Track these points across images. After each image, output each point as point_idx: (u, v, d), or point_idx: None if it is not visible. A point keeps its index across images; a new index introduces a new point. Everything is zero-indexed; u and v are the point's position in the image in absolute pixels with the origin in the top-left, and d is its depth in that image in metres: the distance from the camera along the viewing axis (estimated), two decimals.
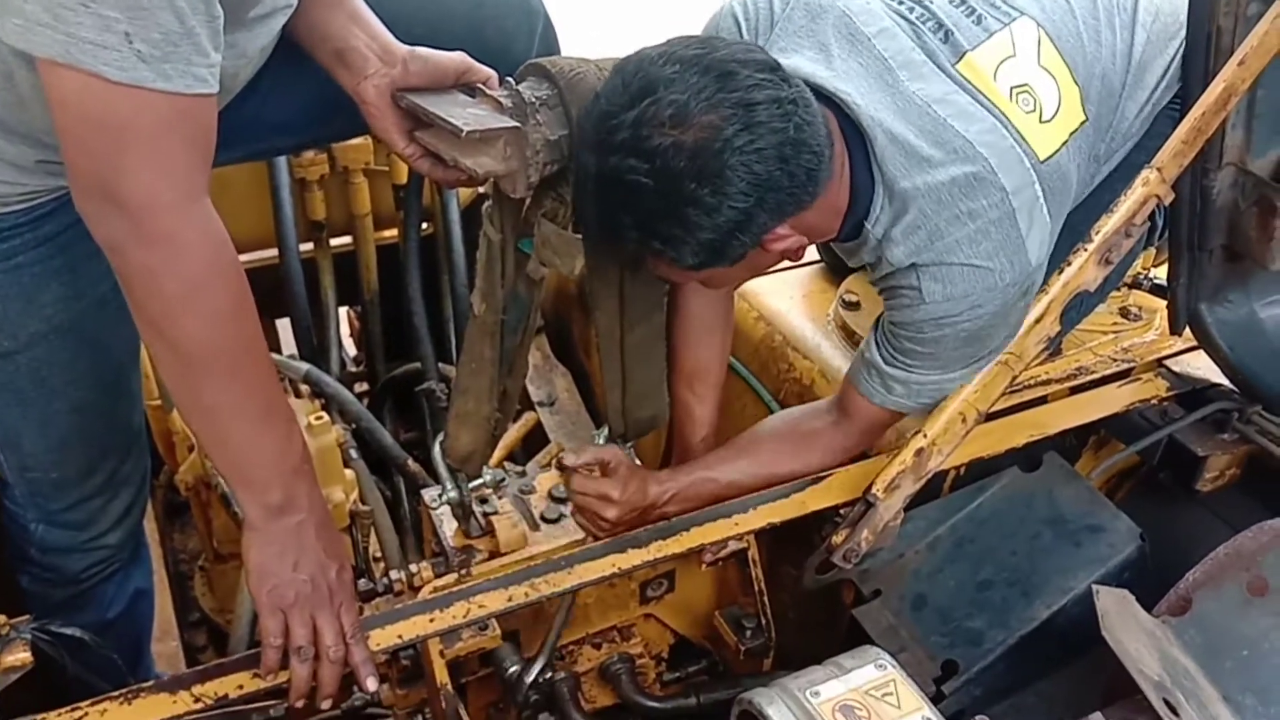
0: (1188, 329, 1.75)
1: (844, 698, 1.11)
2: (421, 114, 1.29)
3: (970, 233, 1.31)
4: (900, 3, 1.39)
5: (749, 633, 1.72)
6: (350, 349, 3.22)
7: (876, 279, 1.44)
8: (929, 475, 1.42)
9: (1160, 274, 1.87)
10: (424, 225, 2.71)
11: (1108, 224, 1.35)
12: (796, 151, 1.21)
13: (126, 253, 1.11)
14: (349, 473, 2.37)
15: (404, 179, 2.62)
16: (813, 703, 1.10)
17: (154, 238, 1.09)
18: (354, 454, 2.45)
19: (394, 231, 2.82)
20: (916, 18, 1.38)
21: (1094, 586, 1.31)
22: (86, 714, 1.14)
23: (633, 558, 1.39)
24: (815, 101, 1.26)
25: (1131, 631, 1.23)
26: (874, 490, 1.40)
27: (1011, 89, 1.37)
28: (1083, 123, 1.44)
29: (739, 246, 1.25)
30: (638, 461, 1.77)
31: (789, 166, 1.21)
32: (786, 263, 2.04)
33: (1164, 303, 1.91)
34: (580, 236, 1.43)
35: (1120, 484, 1.89)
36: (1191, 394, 1.75)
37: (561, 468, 1.55)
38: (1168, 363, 1.81)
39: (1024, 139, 1.34)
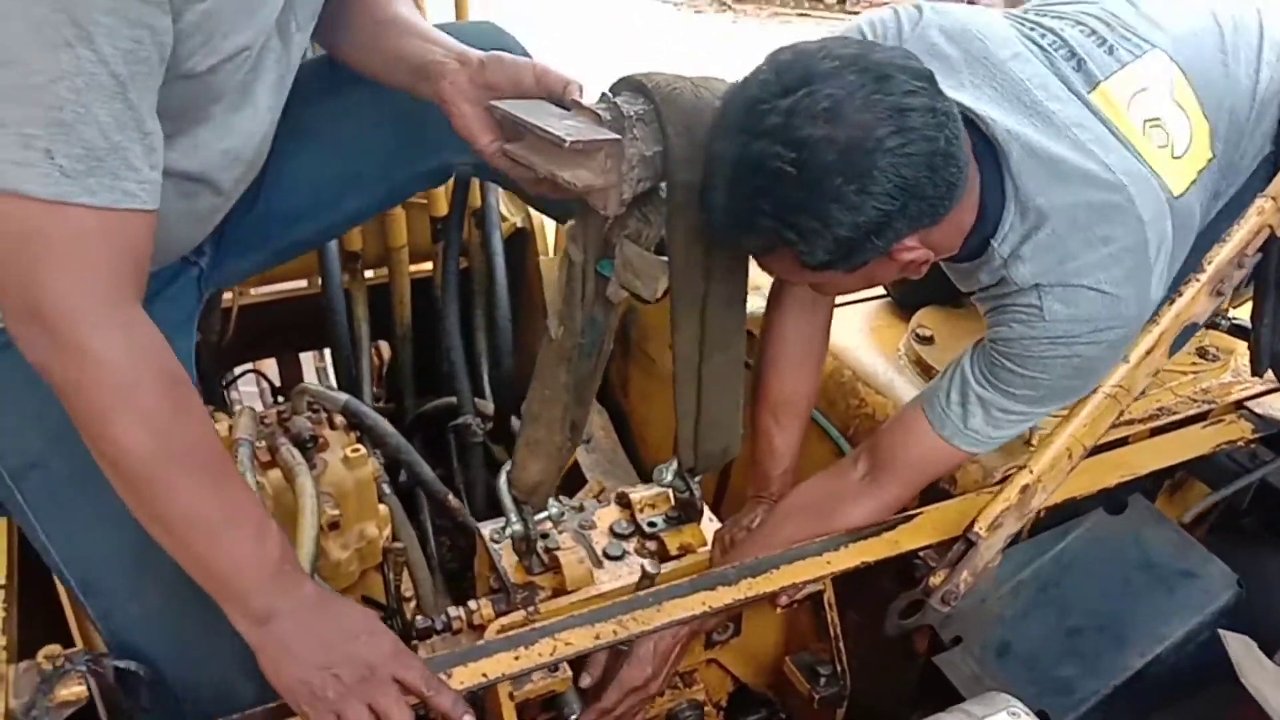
0: (1269, 371, 1.71)
1: None
2: (518, 123, 1.24)
3: (1103, 257, 1.28)
4: (1032, 29, 1.37)
5: (824, 680, 1.63)
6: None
7: (988, 298, 1.39)
8: (1033, 514, 1.36)
9: (1239, 314, 1.83)
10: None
11: (1220, 254, 1.30)
12: (945, 162, 1.18)
13: (52, 370, 1.06)
14: (382, 508, 2.29)
15: (442, 211, 2.58)
16: None
17: (72, 349, 1.04)
18: (387, 489, 2.37)
19: (427, 265, 2.77)
20: (1049, 44, 1.35)
21: (1221, 632, 1.24)
22: None
23: (723, 595, 1.31)
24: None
25: (1268, 678, 1.16)
26: (976, 528, 1.34)
27: (1144, 122, 1.35)
28: (1210, 160, 1.41)
29: (870, 251, 1.21)
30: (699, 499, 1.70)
31: (935, 176, 1.18)
32: (850, 297, 2.02)
33: (1240, 343, 1.87)
34: (665, 259, 1.38)
35: (1193, 527, 1.82)
36: (1278, 436, 1.70)
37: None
38: (1249, 404, 1.76)
39: (1157, 173, 1.32)
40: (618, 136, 1.21)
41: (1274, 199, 1.30)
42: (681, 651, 1.54)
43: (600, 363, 1.52)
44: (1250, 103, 1.46)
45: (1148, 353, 1.32)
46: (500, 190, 2.56)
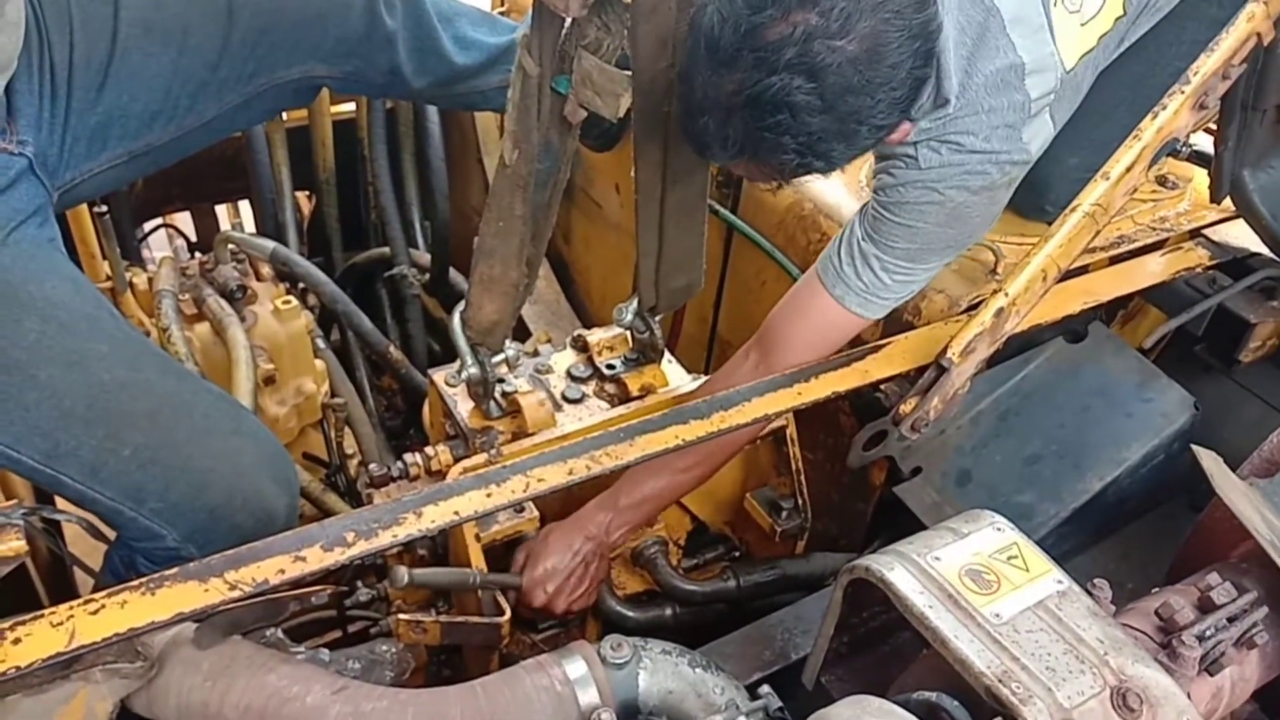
0: (1225, 200, 1.70)
1: (968, 562, 1.02)
2: None
3: (983, 123, 1.30)
4: None
5: (785, 513, 1.63)
6: None
7: (877, 150, 1.38)
8: (1005, 338, 1.33)
9: (1197, 141, 1.80)
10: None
11: (1206, 64, 1.25)
12: (935, 45, 1.18)
13: None
14: (318, 363, 2.20)
15: None
16: (936, 568, 1.01)
17: None
18: (321, 343, 2.28)
19: (349, 107, 2.60)
20: None
21: (1193, 447, 1.24)
22: (104, 606, 0.98)
23: (696, 429, 1.27)
24: None
25: (1238, 489, 1.18)
26: (949, 354, 1.31)
27: None
28: (1120, 18, 1.38)
29: (877, 145, 1.23)
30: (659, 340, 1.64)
31: (930, 62, 1.19)
32: None
33: (1199, 171, 1.85)
34: (627, 73, 1.27)
35: (1147, 355, 1.84)
36: (1234, 262, 1.70)
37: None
38: (1206, 232, 1.75)
39: (1058, 47, 1.30)
40: None
41: (1265, 3, 1.25)
42: (601, 559, 1.51)
43: (557, 193, 1.43)
44: None
45: (1128, 169, 1.28)
46: None
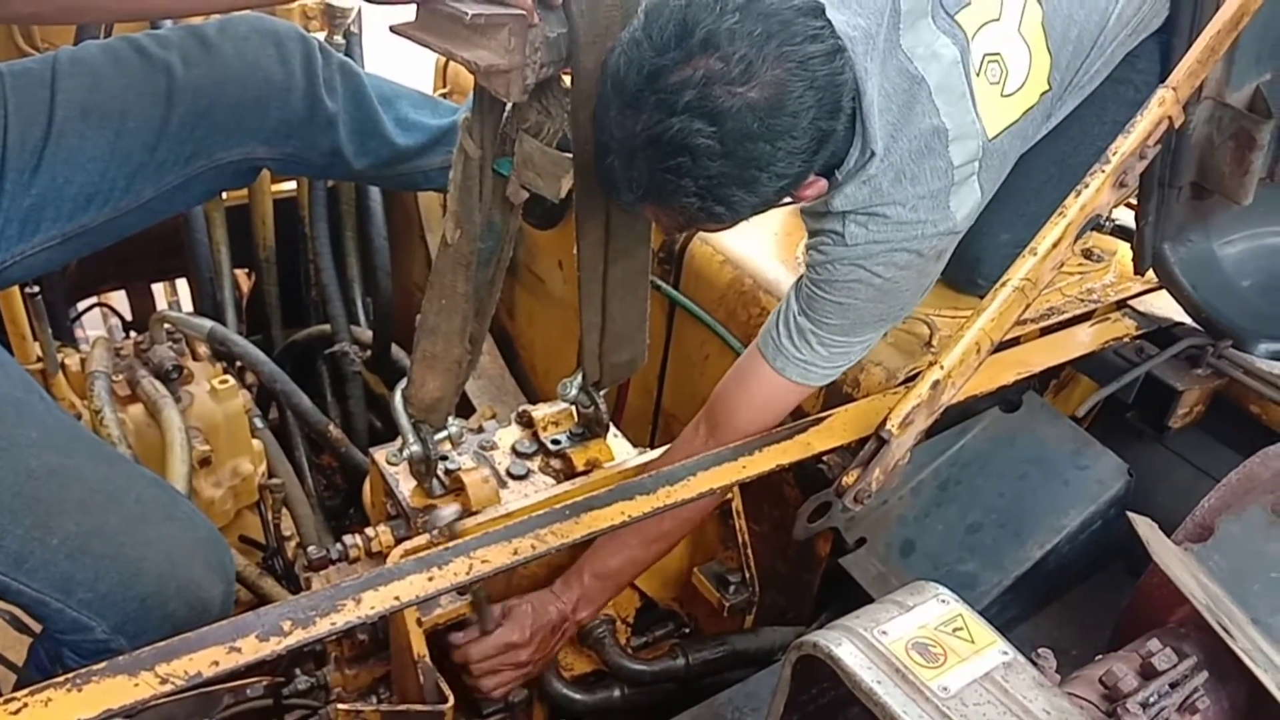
0: (1149, 272, 1.77)
1: (915, 635, 1.02)
2: None
3: (908, 192, 1.32)
4: None
5: (733, 588, 1.62)
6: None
7: (809, 216, 1.41)
8: (942, 409, 1.36)
9: (1119, 215, 1.87)
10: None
11: (1124, 145, 1.31)
12: (847, 101, 1.21)
13: None
14: (255, 443, 2.16)
15: None
16: (883, 642, 1.01)
17: None
18: (259, 423, 2.24)
19: (289, 185, 2.60)
20: None
21: (1129, 515, 1.27)
22: (26, 705, 0.93)
23: (641, 505, 1.26)
24: None
25: (1173, 555, 1.20)
26: (888, 426, 1.32)
27: (984, 56, 1.35)
28: (1044, 93, 1.43)
29: (784, 197, 1.23)
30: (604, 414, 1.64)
31: (840, 116, 1.21)
32: None
33: (1123, 244, 1.92)
34: (568, 155, 1.29)
35: (1080, 423, 1.88)
36: (1160, 332, 1.76)
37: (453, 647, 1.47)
38: (1131, 303, 1.81)
39: (980, 115, 1.34)
40: (522, 12, 1.11)
41: (1174, 89, 1.31)
42: (561, 637, 1.52)
43: (500, 271, 1.44)
44: (1100, 28, 1.47)
45: (1054, 245, 1.32)
46: None
